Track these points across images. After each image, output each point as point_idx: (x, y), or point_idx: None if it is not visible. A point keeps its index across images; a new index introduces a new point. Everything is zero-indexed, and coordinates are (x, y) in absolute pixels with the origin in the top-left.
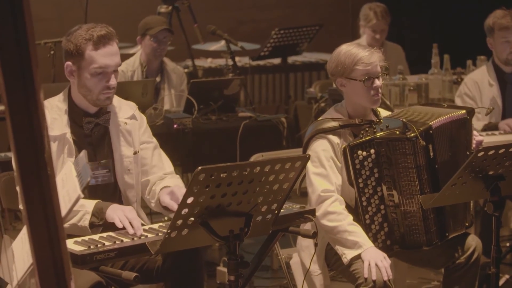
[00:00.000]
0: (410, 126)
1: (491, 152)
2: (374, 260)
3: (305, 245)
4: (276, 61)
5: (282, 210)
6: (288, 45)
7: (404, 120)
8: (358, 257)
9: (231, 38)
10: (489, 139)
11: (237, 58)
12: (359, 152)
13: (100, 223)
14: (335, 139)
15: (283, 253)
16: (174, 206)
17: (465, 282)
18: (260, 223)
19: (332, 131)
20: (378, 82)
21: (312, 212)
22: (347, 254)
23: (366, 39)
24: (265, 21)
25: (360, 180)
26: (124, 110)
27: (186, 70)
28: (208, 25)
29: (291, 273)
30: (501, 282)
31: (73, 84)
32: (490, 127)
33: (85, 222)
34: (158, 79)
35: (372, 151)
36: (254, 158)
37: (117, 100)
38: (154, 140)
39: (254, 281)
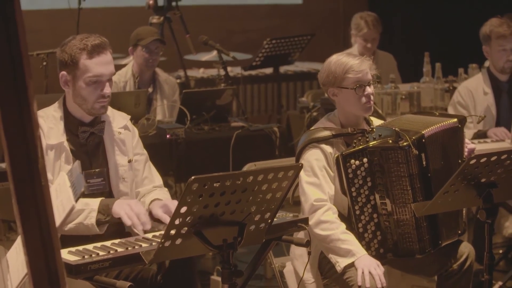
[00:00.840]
0: (402, 135)
1: (483, 160)
2: (368, 268)
3: (299, 253)
4: (268, 70)
5: (275, 219)
6: (280, 54)
7: (396, 129)
8: (352, 265)
9: (223, 48)
10: (481, 146)
11: (229, 68)
12: (352, 161)
13: (107, 219)
14: (328, 148)
15: (277, 261)
16: (167, 219)
17: None
18: (254, 232)
19: (324, 140)
20: (369, 90)
21: (305, 221)
22: (341, 262)
23: (358, 48)
24: (256, 31)
25: (353, 189)
26: (117, 120)
27: (178, 81)
28: (200, 35)
29: (284, 281)
30: None
31: (68, 93)
32: (480, 135)
33: (92, 219)
34: (150, 89)
35: (365, 160)
36: (247, 167)
37: (110, 110)
38: (145, 152)
39: None
